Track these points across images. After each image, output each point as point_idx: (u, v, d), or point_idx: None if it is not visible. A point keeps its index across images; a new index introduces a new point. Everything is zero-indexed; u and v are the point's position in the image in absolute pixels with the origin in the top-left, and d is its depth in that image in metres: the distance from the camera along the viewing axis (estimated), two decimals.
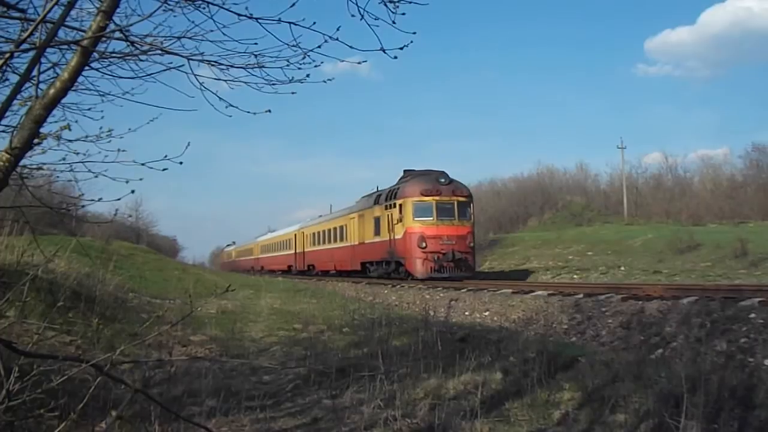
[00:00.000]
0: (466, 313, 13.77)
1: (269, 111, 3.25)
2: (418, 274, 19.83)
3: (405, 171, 23.74)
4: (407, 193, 20.90)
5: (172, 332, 6.32)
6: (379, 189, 24.76)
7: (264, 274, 39.54)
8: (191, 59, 2.93)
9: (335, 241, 29.08)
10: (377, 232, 23.04)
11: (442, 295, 16.50)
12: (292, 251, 38.66)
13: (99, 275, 8.94)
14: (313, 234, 33.74)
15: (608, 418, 4.16)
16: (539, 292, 13.60)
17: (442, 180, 21.01)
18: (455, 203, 20.79)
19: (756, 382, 4.77)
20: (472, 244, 20.79)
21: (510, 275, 26.02)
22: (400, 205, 20.84)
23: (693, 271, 20.03)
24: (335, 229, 29.29)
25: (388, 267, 22.42)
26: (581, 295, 12.22)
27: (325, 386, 5.18)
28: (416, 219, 20.26)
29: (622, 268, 23.55)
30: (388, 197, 22.23)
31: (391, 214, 21.36)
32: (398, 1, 2.96)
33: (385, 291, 19.88)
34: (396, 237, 21.05)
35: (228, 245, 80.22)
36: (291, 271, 38.64)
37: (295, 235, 38.12)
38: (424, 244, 19.80)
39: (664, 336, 8.69)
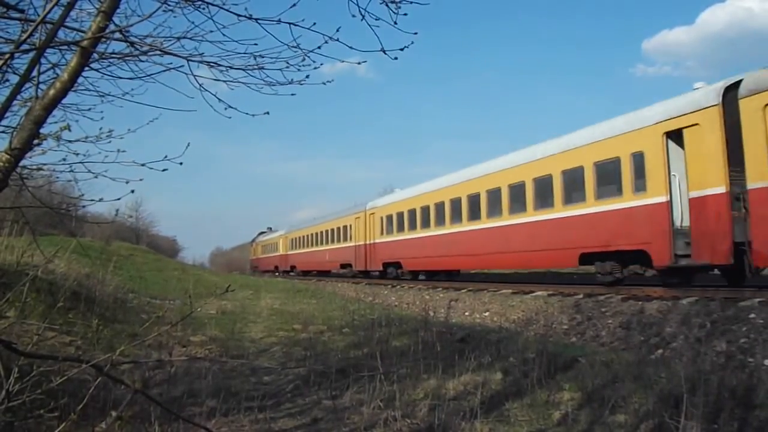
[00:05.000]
0: (466, 314, 13.76)
1: (267, 113, 3.26)
2: None
3: None
4: None
5: (171, 332, 6.32)
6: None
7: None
8: (191, 60, 2.94)
9: None
10: None
11: (442, 295, 16.49)
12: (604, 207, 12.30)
13: (99, 276, 8.96)
14: None
15: (608, 418, 4.16)
16: (539, 293, 13.59)
17: None
18: None
19: (756, 382, 4.76)
20: None
21: None
22: None
23: None
24: None
25: None
26: (581, 296, 12.21)
27: (325, 387, 5.17)
28: None
29: None
30: None
31: None
32: (400, 2, 2.96)
33: (385, 291, 19.87)
34: None
35: (262, 233, 57.57)
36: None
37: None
38: None
39: (664, 336, 8.69)
